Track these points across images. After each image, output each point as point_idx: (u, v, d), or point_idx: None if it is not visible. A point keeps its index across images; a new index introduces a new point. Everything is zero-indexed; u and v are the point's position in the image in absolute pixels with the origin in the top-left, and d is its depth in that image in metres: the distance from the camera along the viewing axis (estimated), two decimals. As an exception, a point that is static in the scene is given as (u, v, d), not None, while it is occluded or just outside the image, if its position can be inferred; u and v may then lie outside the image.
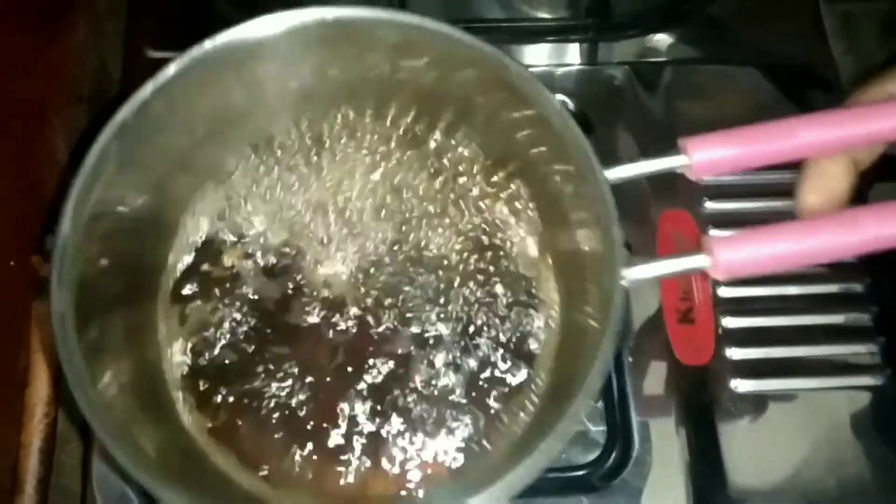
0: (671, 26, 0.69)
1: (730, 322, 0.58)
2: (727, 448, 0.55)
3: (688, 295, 0.59)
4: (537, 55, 0.70)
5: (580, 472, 0.54)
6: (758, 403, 0.57)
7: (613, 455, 0.54)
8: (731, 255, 0.42)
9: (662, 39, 0.69)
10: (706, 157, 0.44)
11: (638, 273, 0.42)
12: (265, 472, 0.50)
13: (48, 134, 0.62)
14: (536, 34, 0.69)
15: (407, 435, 0.51)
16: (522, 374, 0.52)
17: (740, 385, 0.57)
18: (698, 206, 0.62)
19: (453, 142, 0.57)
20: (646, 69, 0.67)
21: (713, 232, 0.60)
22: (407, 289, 0.54)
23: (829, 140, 0.43)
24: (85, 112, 0.65)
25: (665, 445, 0.55)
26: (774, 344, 0.58)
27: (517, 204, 0.56)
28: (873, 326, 0.59)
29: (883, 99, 0.43)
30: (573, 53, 0.69)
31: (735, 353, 0.57)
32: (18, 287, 0.57)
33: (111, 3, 0.69)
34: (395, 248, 0.55)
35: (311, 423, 0.51)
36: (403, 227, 0.56)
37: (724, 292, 0.59)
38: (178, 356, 0.53)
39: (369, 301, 0.54)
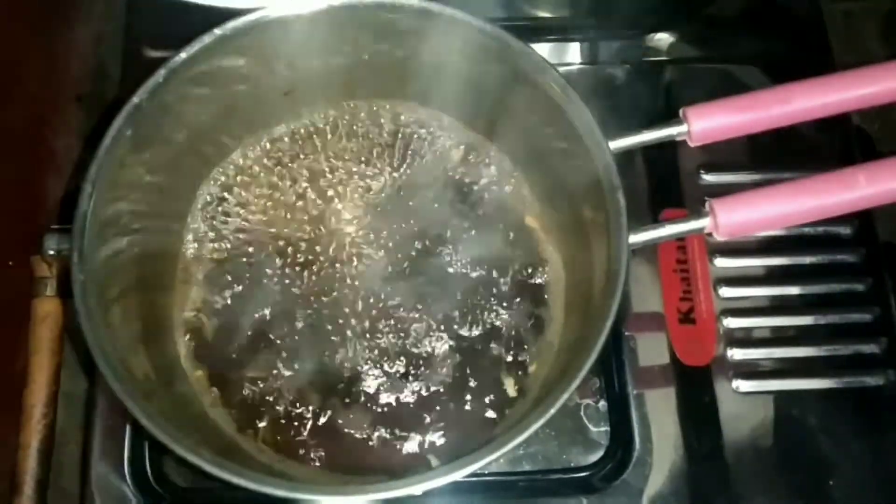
0: (672, 25, 0.69)
1: (731, 322, 0.58)
2: (728, 448, 0.55)
3: (689, 295, 0.58)
4: (538, 54, 0.70)
5: (581, 474, 0.54)
6: (759, 404, 0.56)
7: (615, 456, 0.54)
8: (732, 215, 0.43)
9: (663, 38, 0.69)
10: (705, 125, 0.45)
11: (643, 237, 0.44)
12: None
13: (47, 134, 0.61)
14: (537, 33, 0.68)
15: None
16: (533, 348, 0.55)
17: (742, 385, 0.56)
18: (699, 205, 0.61)
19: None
20: (647, 68, 0.67)
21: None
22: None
23: (823, 104, 0.45)
24: (84, 112, 0.65)
25: (666, 446, 0.55)
26: (776, 344, 0.58)
27: (517, 181, 0.58)
28: (875, 326, 0.59)
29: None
30: (574, 52, 0.68)
31: (736, 354, 0.57)
32: (17, 287, 0.56)
33: (109, 4, 0.69)
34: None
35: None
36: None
37: (726, 292, 0.59)
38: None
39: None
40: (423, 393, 0.54)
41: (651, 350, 0.57)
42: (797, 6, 0.70)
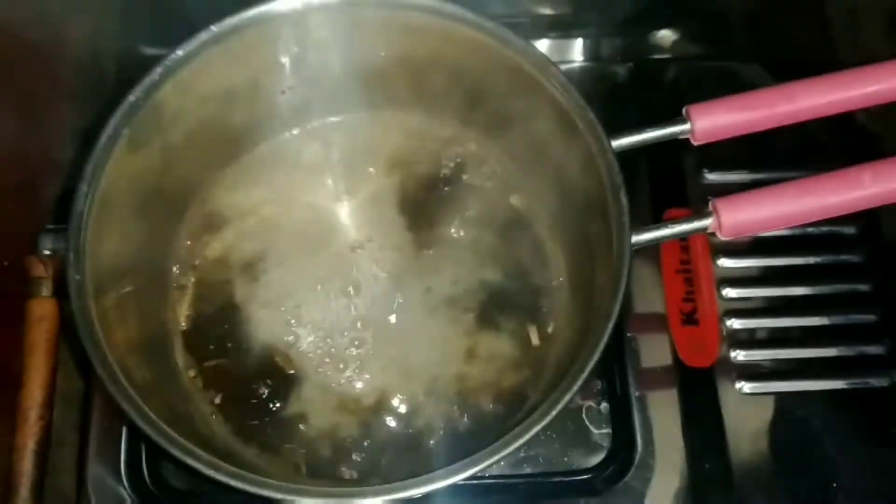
0: (675, 22, 0.68)
1: (734, 323, 0.58)
2: (732, 450, 0.55)
3: (692, 296, 0.58)
4: (540, 52, 0.69)
5: (583, 476, 0.54)
6: (763, 405, 0.56)
7: (617, 459, 0.54)
8: (735, 215, 0.43)
9: (666, 35, 0.68)
10: (709, 123, 0.45)
11: (645, 237, 0.44)
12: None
13: (43, 133, 0.61)
14: (539, 30, 0.68)
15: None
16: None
17: (745, 387, 0.56)
18: (702, 204, 0.61)
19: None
20: (650, 66, 0.66)
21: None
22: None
23: (827, 103, 0.44)
24: (79, 111, 0.64)
25: (669, 449, 0.54)
26: (780, 345, 0.58)
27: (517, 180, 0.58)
28: (880, 327, 0.58)
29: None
30: (576, 50, 0.68)
31: (740, 355, 0.57)
32: (12, 288, 0.56)
33: (107, 1, 0.68)
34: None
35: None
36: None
37: (729, 293, 0.58)
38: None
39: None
40: (423, 394, 0.53)
41: (653, 351, 0.57)
42: (801, 3, 0.69)
